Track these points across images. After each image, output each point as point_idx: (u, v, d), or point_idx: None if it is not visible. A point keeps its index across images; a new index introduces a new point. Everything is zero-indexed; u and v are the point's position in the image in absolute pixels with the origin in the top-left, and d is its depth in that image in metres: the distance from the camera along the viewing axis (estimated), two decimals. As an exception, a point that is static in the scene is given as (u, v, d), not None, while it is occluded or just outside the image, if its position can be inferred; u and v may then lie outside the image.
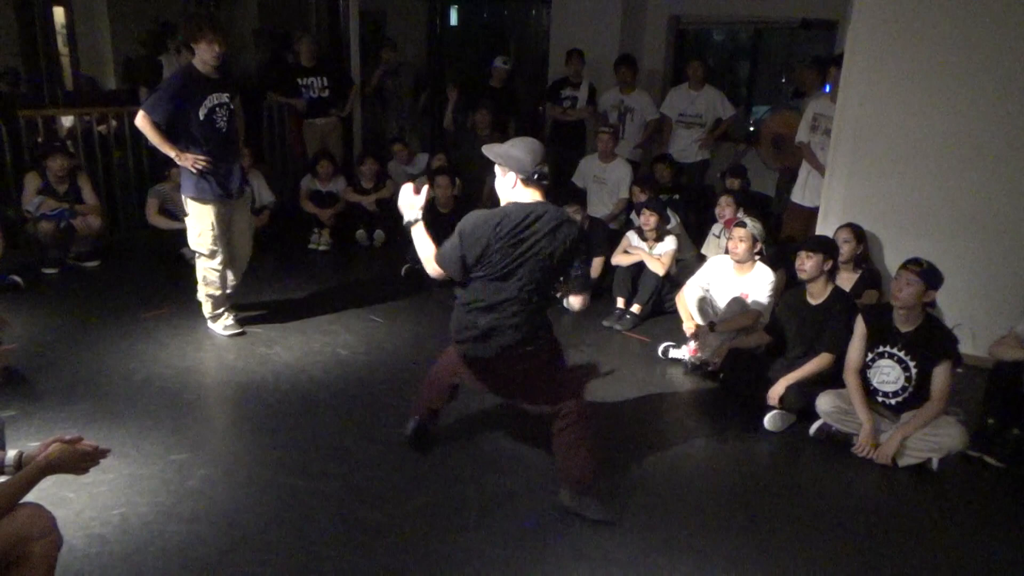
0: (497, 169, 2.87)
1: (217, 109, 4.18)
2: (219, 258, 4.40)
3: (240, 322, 4.63)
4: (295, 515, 2.92)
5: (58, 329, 4.59)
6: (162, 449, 3.32)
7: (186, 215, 4.42)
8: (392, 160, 7.07)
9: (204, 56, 4.09)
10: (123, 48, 8.60)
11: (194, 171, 4.19)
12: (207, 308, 4.56)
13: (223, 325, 4.57)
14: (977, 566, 2.84)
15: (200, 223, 4.33)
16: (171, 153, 4.17)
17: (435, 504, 3.02)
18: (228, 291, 4.63)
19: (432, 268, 2.91)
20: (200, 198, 4.27)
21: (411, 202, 2.96)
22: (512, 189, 2.84)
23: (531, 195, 2.82)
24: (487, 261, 2.76)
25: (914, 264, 3.38)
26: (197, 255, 4.44)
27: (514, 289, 2.78)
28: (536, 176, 2.80)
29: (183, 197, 4.36)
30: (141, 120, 4.11)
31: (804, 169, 5.40)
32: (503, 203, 2.88)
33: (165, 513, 2.89)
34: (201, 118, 4.13)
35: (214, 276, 4.44)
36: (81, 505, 2.89)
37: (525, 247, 2.76)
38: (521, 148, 2.82)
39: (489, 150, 2.88)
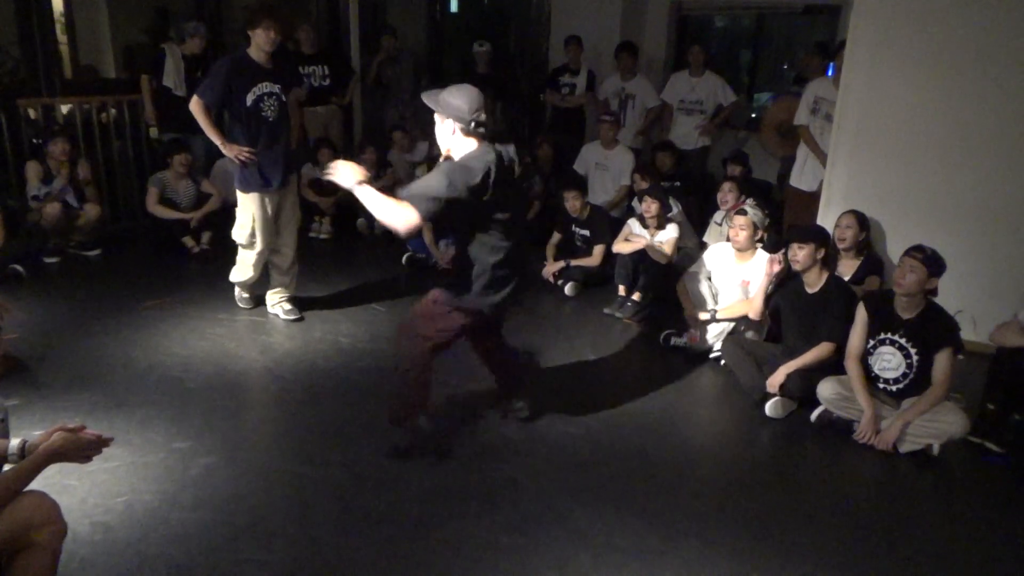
0: (436, 117, 2.86)
1: (265, 98, 4.19)
2: (257, 249, 4.44)
3: (257, 299, 4.82)
4: (298, 502, 2.94)
5: (60, 318, 4.60)
6: (165, 437, 3.33)
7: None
8: (393, 149, 7.05)
9: (259, 41, 4.11)
10: (122, 36, 8.56)
11: (236, 162, 4.23)
12: (233, 276, 4.69)
13: (239, 297, 4.80)
14: (978, 552, 2.85)
15: (243, 213, 4.39)
16: (217, 141, 4.24)
17: (436, 492, 3.03)
18: (283, 285, 4.71)
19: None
20: (244, 188, 4.33)
21: (348, 172, 2.76)
22: (452, 136, 2.85)
23: (471, 144, 2.84)
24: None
25: (917, 251, 3.38)
26: (237, 244, 4.54)
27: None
28: (473, 124, 2.80)
29: (237, 192, 4.40)
30: (194, 104, 4.18)
31: (802, 152, 5.38)
32: (444, 152, 2.91)
33: (169, 501, 2.90)
34: (248, 104, 4.16)
35: (248, 264, 4.52)
36: (85, 493, 2.91)
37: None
38: (458, 96, 2.80)
39: (428, 97, 2.85)
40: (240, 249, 4.52)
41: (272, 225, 4.45)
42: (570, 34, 7.04)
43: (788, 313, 3.96)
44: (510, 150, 2.95)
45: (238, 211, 4.43)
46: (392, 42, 7.50)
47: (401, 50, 7.67)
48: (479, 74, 7.18)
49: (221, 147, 4.25)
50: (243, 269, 4.57)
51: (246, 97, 4.14)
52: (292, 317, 4.66)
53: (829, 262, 3.86)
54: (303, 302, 4.86)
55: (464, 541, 2.75)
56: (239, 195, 4.37)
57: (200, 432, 3.39)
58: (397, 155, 7.02)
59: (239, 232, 4.44)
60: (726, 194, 5.26)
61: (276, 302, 4.71)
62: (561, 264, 5.46)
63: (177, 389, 3.78)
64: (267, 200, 4.36)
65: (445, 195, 2.70)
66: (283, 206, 4.48)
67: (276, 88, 4.23)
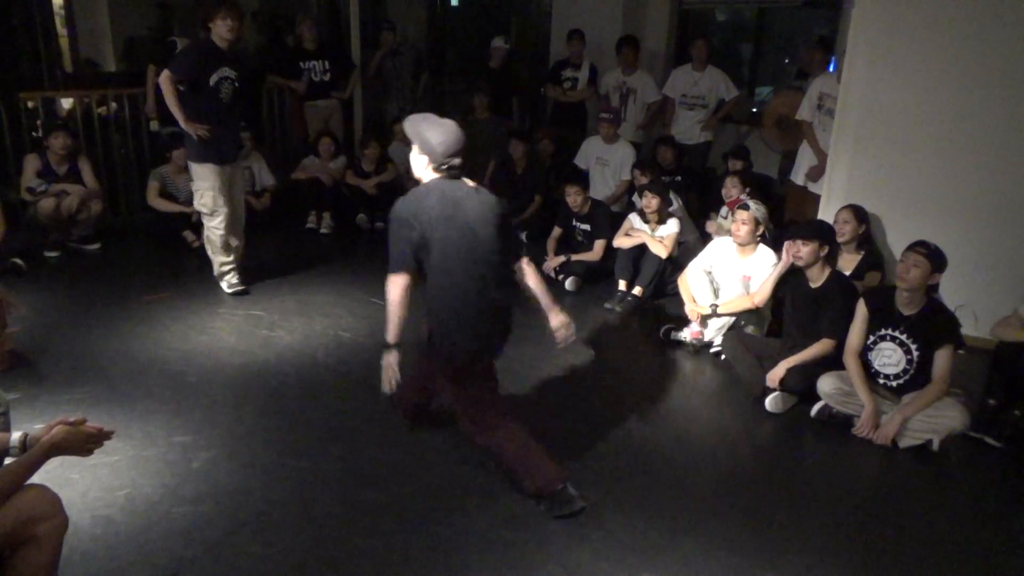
0: (414, 144, 2.76)
1: (224, 82, 4.59)
2: (219, 218, 4.75)
3: (244, 281, 4.97)
4: (298, 496, 2.94)
5: (61, 312, 4.60)
6: (166, 431, 3.34)
7: (191, 181, 4.85)
8: (394, 142, 7.04)
9: (220, 31, 4.48)
10: (122, 29, 8.55)
11: (196, 137, 4.54)
12: (215, 267, 4.93)
13: (228, 283, 4.92)
14: (977, 546, 2.85)
15: (201, 184, 4.71)
16: (179, 116, 4.53)
17: (438, 486, 3.03)
18: (232, 255, 4.95)
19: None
20: (200, 159, 4.66)
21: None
22: (424, 169, 2.77)
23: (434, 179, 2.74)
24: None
25: (921, 247, 3.38)
26: (201, 215, 4.86)
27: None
28: (445, 167, 2.71)
29: (189, 163, 4.76)
30: (164, 78, 4.49)
31: (804, 149, 5.37)
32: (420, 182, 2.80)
33: (170, 494, 2.91)
34: (211, 85, 4.54)
35: (215, 235, 4.80)
36: (86, 486, 2.91)
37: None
38: (437, 132, 2.70)
39: (410, 125, 2.77)
40: (205, 220, 4.81)
41: (229, 194, 4.77)
42: (571, 28, 7.02)
43: (789, 307, 3.97)
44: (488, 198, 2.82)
45: (196, 184, 4.75)
46: (392, 37, 7.48)
47: (401, 44, 7.66)
48: (492, 69, 7.17)
49: (182, 122, 4.54)
50: (213, 239, 4.81)
51: (210, 79, 4.52)
52: (236, 290, 4.90)
53: (831, 258, 3.85)
54: (305, 295, 4.86)
55: (465, 535, 2.76)
56: (194, 167, 4.70)
57: (201, 426, 3.39)
58: (399, 147, 7.00)
59: (202, 201, 4.75)
60: (730, 189, 5.25)
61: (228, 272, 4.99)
62: (561, 259, 5.46)
63: (178, 383, 3.78)
64: (223, 171, 4.70)
65: (404, 238, 2.72)
66: (234, 181, 4.84)
67: (233, 73, 4.61)
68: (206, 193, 4.70)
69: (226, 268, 4.92)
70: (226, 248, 4.86)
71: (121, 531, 2.70)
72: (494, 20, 9.18)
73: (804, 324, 3.84)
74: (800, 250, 3.78)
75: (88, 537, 2.65)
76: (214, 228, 4.78)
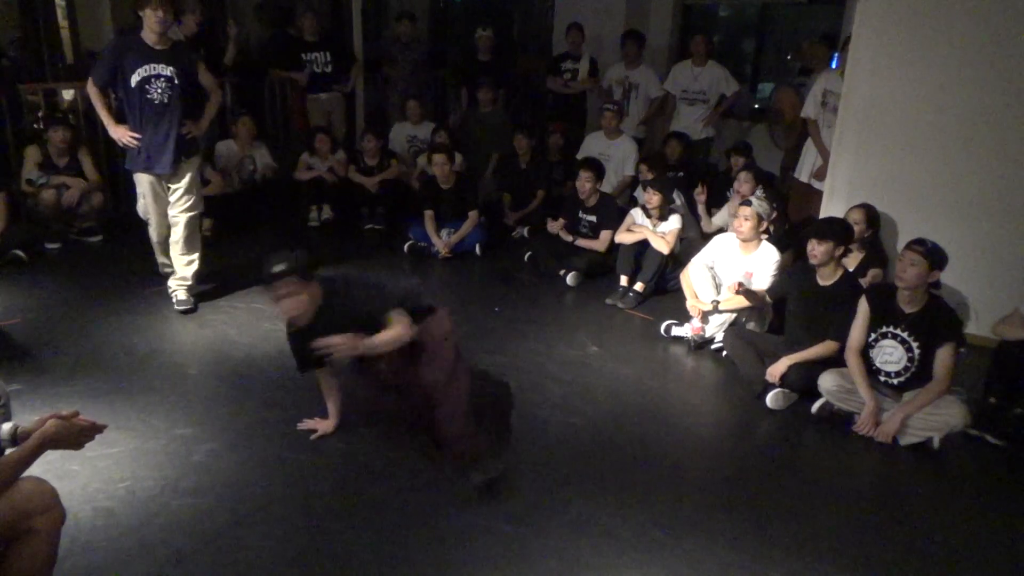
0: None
1: (153, 80, 4.16)
2: (151, 225, 4.60)
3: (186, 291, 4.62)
4: (299, 490, 2.95)
5: (62, 304, 4.59)
6: (167, 423, 3.34)
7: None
8: (405, 121, 6.96)
9: (149, 23, 4.10)
10: (123, 20, 8.52)
11: (121, 144, 4.30)
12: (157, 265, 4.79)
13: (176, 299, 4.56)
14: (977, 544, 2.85)
15: (137, 191, 4.52)
16: (106, 121, 4.29)
17: (438, 480, 3.03)
18: (178, 271, 4.59)
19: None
20: (130, 167, 4.41)
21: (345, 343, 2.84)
22: None
23: None
24: None
25: (919, 245, 3.37)
26: None
27: None
28: None
29: None
30: (88, 85, 4.25)
31: (808, 146, 5.37)
32: None
33: (171, 487, 2.91)
34: (132, 85, 4.15)
35: (153, 241, 4.66)
36: (87, 478, 2.91)
37: None
38: None
39: None
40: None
41: (165, 204, 4.48)
42: (573, 21, 7.00)
43: (795, 302, 3.95)
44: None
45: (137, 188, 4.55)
46: (411, 28, 7.32)
47: (414, 37, 7.51)
48: (481, 61, 7.13)
49: (108, 128, 4.28)
50: (154, 241, 4.66)
51: (131, 78, 4.13)
52: (181, 308, 4.50)
53: (844, 257, 3.83)
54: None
55: (465, 530, 2.76)
56: (133, 174, 4.43)
57: (202, 419, 3.39)
58: (409, 127, 6.93)
59: (138, 208, 4.66)
60: (742, 184, 5.21)
61: (172, 288, 4.60)
62: (563, 222, 5.48)
63: (179, 376, 3.78)
64: (155, 180, 4.39)
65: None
66: (177, 190, 4.42)
67: (168, 71, 4.17)
68: (140, 200, 4.56)
69: (168, 270, 4.73)
70: (164, 251, 4.68)
71: (122, 523, 2.70)
72: (496, 13, 9.15)
73: (809, 321, 3.83)
74: (815, 248, 3.75)
75: (89, 529, 2.65)
76: (151, 231, 4.63)
